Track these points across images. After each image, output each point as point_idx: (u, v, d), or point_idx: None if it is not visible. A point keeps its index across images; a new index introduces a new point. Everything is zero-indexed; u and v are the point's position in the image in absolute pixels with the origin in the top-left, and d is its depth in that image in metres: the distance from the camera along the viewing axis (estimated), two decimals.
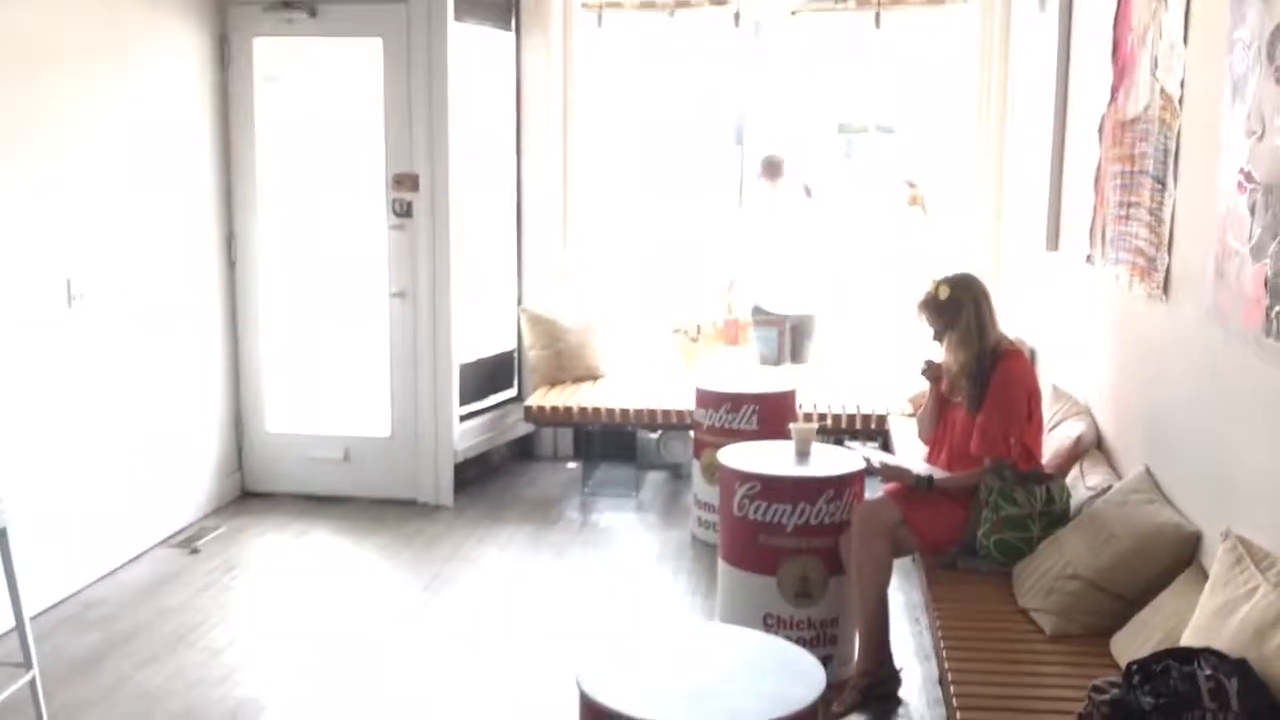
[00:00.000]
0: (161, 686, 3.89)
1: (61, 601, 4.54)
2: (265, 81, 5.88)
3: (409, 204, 5.73)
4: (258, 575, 4.97)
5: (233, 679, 3.96)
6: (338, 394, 6.26)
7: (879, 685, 3.77)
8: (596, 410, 6.04)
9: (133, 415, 5.07)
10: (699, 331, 7.25)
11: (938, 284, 3.84)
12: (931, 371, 4.02)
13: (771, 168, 6.77)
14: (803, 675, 2.39)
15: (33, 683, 3.33)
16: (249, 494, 5.99)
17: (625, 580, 4.93)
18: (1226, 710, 2.16)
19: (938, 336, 3.89)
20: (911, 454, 4.36)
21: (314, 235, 6.17)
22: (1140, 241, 3.56)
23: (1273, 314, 2.49)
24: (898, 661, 3.89)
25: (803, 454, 4.12)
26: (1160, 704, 2.21)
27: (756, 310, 6.74)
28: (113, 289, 4.88)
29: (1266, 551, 2.48)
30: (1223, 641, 2.34)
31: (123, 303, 4.97)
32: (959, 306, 3.77)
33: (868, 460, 3.98)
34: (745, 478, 3.99)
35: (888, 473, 3.92)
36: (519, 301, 6.62)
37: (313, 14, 5.68)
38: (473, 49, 6.05)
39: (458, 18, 5.66)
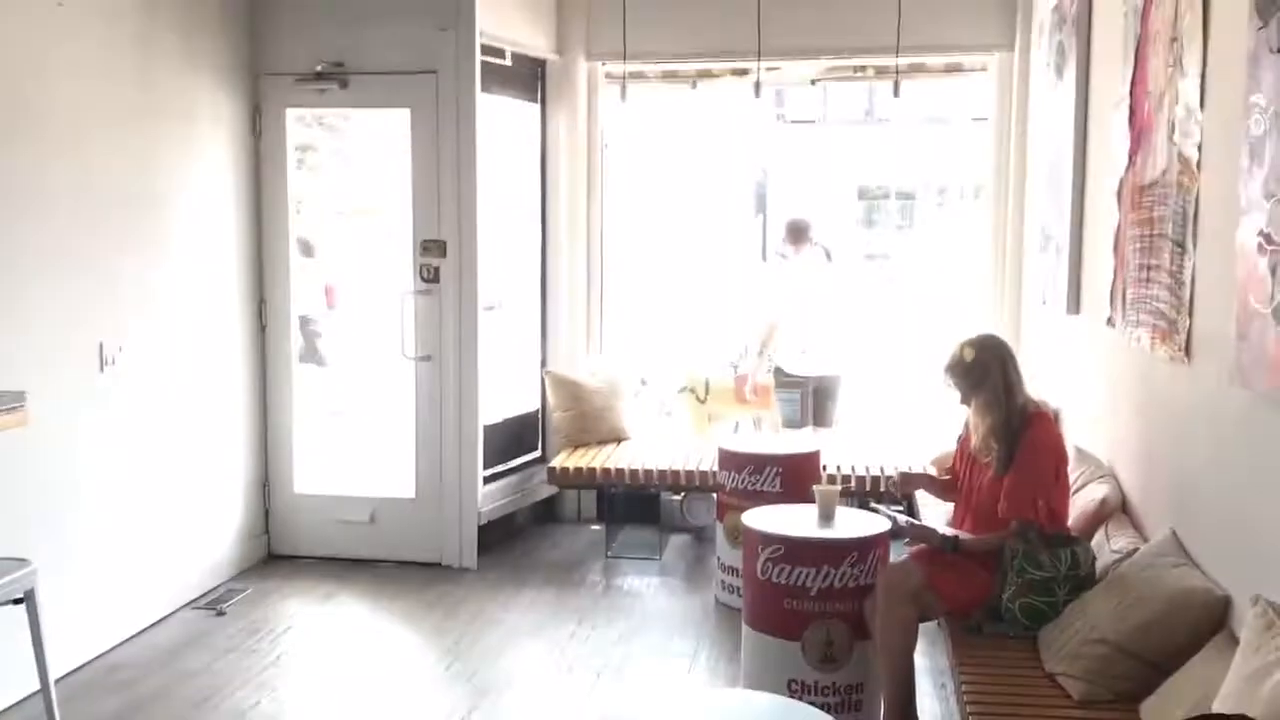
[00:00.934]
0: None
1: (86, 664, 4.55)
2: (297, 151, 6.00)
3: (436, 269, 5.80)
4: (283, 638, 4.97)
5: None
6: (364, 456, 6.30)
7: None
8: (620, 471, 6.05)
9: (162, 478, 5.12)
10: (707, 390, 7.27)
11: (963, 346, 3.85)
12: (906, 485, 4.12)
13: (796, 232, 6.84)
14: None
15: None
16: (275, 556, 6.01)
17: (648, 645, 4.90)
18: None
19: (965, 400, 3.90)
20: (936, 516, 4.34)
21: (344, 300, 6.26)
22: (1161, 304, 3.57)
23: None
24: None
25: (826, 516, 4.11)
26: None
27: (779, 372, 6.76)
28: (145, 353, 4.95)
29: None
30: (1256, 708, 2.31)
31: (155, 367, 5.04)
32: (986, 369, 3.78)
33: (893, 521, 3.97)
34: (769, 540, 3.99)
35: (913, 533, 3.90)
36: (543, 364, 6.67)
37: (344, 85, 5.81)
38: (500, 120, 6.16)
39: (485, 89, 5.78)
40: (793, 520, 4.13)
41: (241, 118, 5.74)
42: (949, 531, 3.86)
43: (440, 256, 5.79)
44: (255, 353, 5.89)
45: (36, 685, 3.36)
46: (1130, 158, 3.97)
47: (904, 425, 6.58)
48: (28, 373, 4.10)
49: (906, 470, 4.17)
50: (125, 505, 4.86)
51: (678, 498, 6.49)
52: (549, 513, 6.81)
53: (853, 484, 5.75)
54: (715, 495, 5.75)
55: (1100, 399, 4.45)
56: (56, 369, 4.42)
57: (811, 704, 3.59)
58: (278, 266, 5.92)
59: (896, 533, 3.98)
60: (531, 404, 6.71)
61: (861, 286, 7.07)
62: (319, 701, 4.33)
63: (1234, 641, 2.75)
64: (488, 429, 6.07)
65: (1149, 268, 3.71)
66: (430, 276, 5.81)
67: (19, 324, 4.21)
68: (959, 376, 3.84)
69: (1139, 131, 3.88)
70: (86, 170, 4.59)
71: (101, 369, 4.68)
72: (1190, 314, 3.30)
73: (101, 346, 4.67)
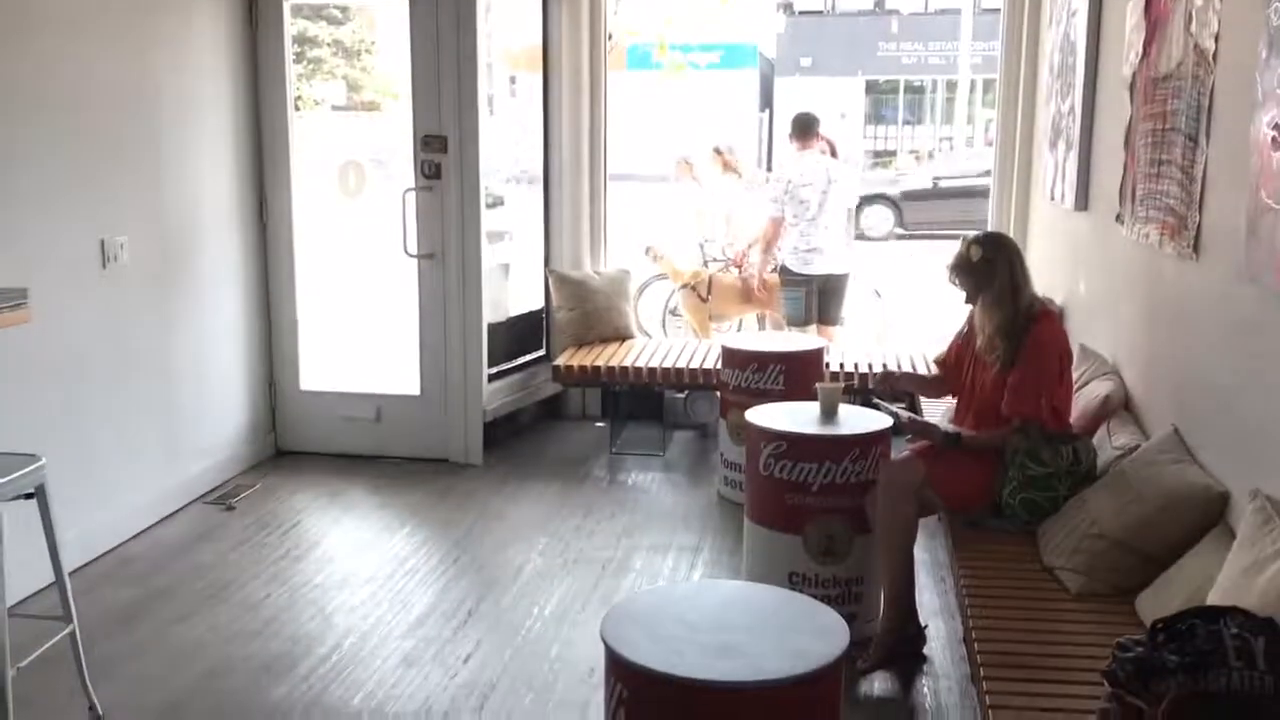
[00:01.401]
0: (197, 640, 3.98)
1: (99, 557, 4.63)
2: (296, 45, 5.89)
3: (438, 165, 5.74)
4: (291, 532, 5.04)
5: (268, 632, 4.04)
6: (369, 354, 6.32)
7: (904, 643, 3.79)
8: (624, 370, 6.08)
9: (168, 375, 5.14)
10: (709, 289, 7.27)
11: (969, 244, 3.82)
12: (887, 383, 4.12)
13: (803, 127, 6.75)
14: (827, 631, 2.41)
15: (73, 635, 3.40)
16: (282, 453, 6.07)
17: (653, 539, 4.97)
18: (1252, 668, 2.16)
19: (970, 299, 3.88)
20: (937, 413, 4.36)
21: (344, 198, 6.20)
22: (1171, 200, 3.53)
23: None
24: (922, 619, 3.92)
25: (829, 414, 4.13)
26: (1185, 662, 2.22)
27: (784, 270, 6.73)
28: (147, 250, 4.93)
29: None
30: (1250, 600, 2.34)
31: (157, 264, 5.02)
32: (992, 268, 3.75)
33: (895, 417, 3.98)
34: (772, 437, 4.01)
35: (914, 429, 3.92)
36: (546, 262, 6.64)
37: None
38: (500, 8, 6.03)
39: None
40: (795, 417, 4.15)
41: (238, 10, 5.62)
42: (950, 428, 3.88)
43: (441, 152, 5.72)
44: (257, 250, 5.86)
45: (51, 577, 3.42)
46: (1145, 49, 3.89)
47: (910, 324, 6.58)
48: (29, 271, 4.09)
49: (887, 369, 4.18)
50: (132, 402, 4.89)
51: (681, 395, 6.52)
52: (554, 410, 6.86)
53: (855, 381, 5.77)
54: (718, 393, 5.78)
55: (1106, 296, 4.43)
56: (58, 266, 4.40)
57: (812, 595, 3.66)
58: (278, 162, 5.86)
59: (898, 429, 4.00)
60: (535, 303, 6.71)
61: (868, 184, 6.97)
62: (329, 593, 4.41)
63: (1230, 536, 2.78)
64: (492, 327, 6.07)
65: (1160, 162, 3.66)
66: (431, 173, 5.75)
67: (19, 222, 4.19)
68: (965, 275, 3.82)
69: (1155, 21, 3.80)
70: (82, 68, 4.52)
71: (104, 265, 4.66)
72: (1200, 209, 3.26)
73: (103, 244, 4.65)
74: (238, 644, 3.95)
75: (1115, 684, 2.32)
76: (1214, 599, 2.47)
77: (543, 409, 6.77)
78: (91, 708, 3.43)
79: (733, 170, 8.21)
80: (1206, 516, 3.04)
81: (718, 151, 8.08)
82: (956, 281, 3.85)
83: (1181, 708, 2.19)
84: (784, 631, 2.45)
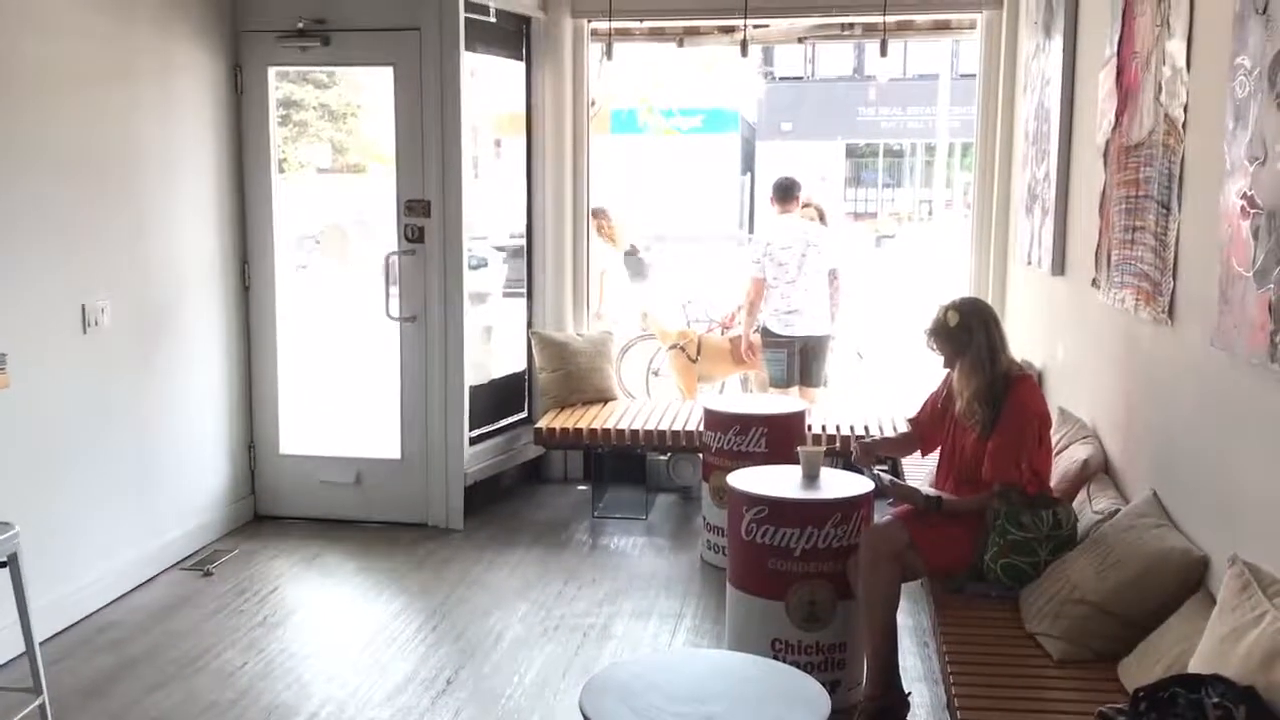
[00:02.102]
0: (173, 710, 3.91)
1: (73, 625, 4.56)
2: (281, 108, 5.94)
3: (420, 229, 5.77)
4: (270, 599, 4.98)
5: (243, 702, 3.98)
6: (350, 417, 6.30)
7: (887, 710, 3.75)
8: (606, 432, 6.07)
9: (146, 440, 5.11)
10: (699, 350, 7.30)
11: (946, 310, 3.85)
12: (866, 457, 4.13)
13: (784, 192, 6.83)
14: (808, 702, 2.39)
15: (42, 708, 3.35)
16: (261, 517, 6.01)
17: (635, 605, 4.93)
18: None
19: (948, 364, 3.90)
20: (919, 477, 4.36)
21: (327, 261, 6.22)
22: (1145, 266, 3.57)
23: (1277, 339, 2.50)
24: (906, 686, 3.88)
25: (811, 477, 4.13)
26: None
27: (766, 332, 6.77)
28: (128, 314, 4.93)
29: (1275, 577, 2.47)
30: (1230, 668, 2.33)
31: (138, 328, 5.02)
32: (969, 333, 3.78)
33: (877, 480, 3.98)
34: (754, 501, 4.00)
35: (896, 493, 3.92)
36: (529, 325, 6.66)
37: (326, 42, 5.74)
38: (484, 77, 6.10)
39: (469, 47, 5.71)
40: (777, 481, 4.14)
41: (222, 76, 5.68)
42: (932, 492, 3.88)
43: (424, 216, 5.76)
44: (239, 313, 5.86)
45: (22, 647, 3.37)
46: (1117, 118, 3.95)
47: (892, 386, 6.60)
48: (8, 334, 4.08)
49: (862, 440, 4.21)
50: (110, 466, 4.85)
51: (664, 458, 6.51)
52: (535, 473, 6.83)
53: (838, 444, 5.77)
54: (701, 455, 5.77)
55: (1084, 360, 4.46)
56: (38, 331, 4.39)
57: (795, 663, 3.63)
58: (261, 225, 5.88)
59: (880, 492, 4.00)
60: (518, 365, 6.71)
61: (851, 247, 7.04)
62: (306, 662, 4.35)
63: (1211, 601, 2.77)
64: (474, 390, 6.07)
65: (1134, 229, 3.70)
66: (415, 237, 5.78)
67: None
68: (942, 340, 3.84)
69: (1126, 92, 3.87)
70: (65, 131, 4.54)
71: (84, 330, 4.65)
72: (1174, 276, 3.30)
73: (84, 308, 4.65)
74: (212, 715, 3.89)
75: None
76: (1195, 666, 2.46)
77: (524, 471, 6.74)
78: None
79: (607, 237, 7.54)
80: (1187, 581, 3.04)
81: (594, 214, 7.15)
82: (934, 347, 3.88)
83: None
84: (765, 702, 2.43)
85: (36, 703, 3.32)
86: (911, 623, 4.53)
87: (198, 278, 5.51)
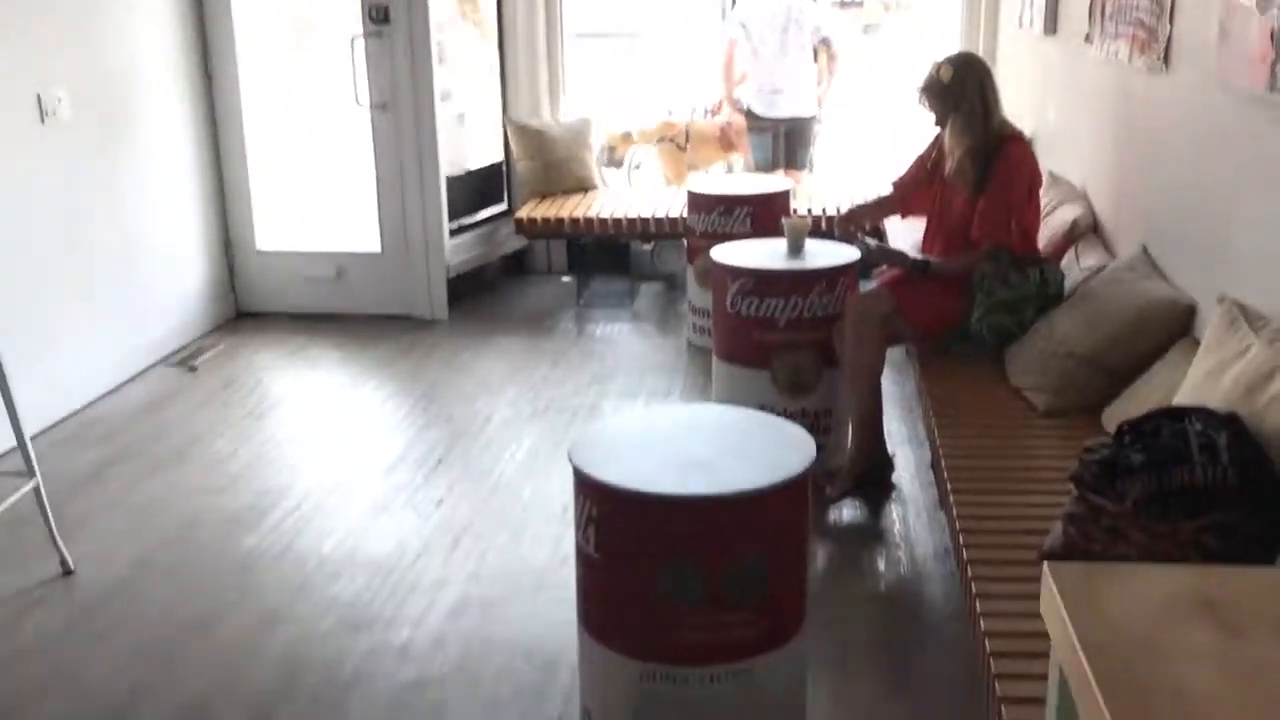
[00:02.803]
0: (166, 496, 3.95)
1: (60, 421, 4.56)
2: None
3: (385, 9, 5.51)
4: (256, 390, 4.99)
5: (235, 487, 4.02)
6: (327, 211, 6.18)
7: (872, 471, 3.82)
8: (589, 221, 5.98)
9: (120, 236, 5.01)
10: (688, 138, 7.13)
11: (939, 66, 3.71)
12: (846, 224, 4.03)
13: None
14: (794, 445, 2.40)
15: (37, 490, 3.37)
16: (243, 314, 5.97)
17: (622, 386, 4.96)
18: (1216, 463, 2.16)
19: (940, 122, 3.79)
20: (906, 244, 4.31)
21: (292, 46, 5.97)
22: (1141, 13, 3.44)
23: (1277, 69, 2.41)
24: (890, 448, 3.94)
25: (795, 248, 4.08)
26: (1150, 460, 2.22)
27: (750, 115, 6.60)
28: (87, 106, 4.74)
29: (1262, 314, 2.46)
30: (1215, 400, 2.34)
31: (98, 120, 4.84)
32: (962, 88, 3.65)
33: (865, 247, 3.93)
34: (738, 274, 3.96)
35: (882, 257, 3.88)
36: (504, 111, 6.47)
37: None
38: None
39: None
40: (762, 253, 4.09)
41: None
42: (919, 256, 3.84)
43: None
44: (203, 105, 5.65)
45: (13, 442, 3.37)
46: None
47: (878, 168, 6.47)
48: None
49: (841, 211, 4.12)
50: (86, 263, 4.77)
51: (648, 246, 6.45)
52: (519, 265, 6.77)
53: (824, 224, 5.70)
54: (685, 241, 5.71)
55: (1075, 121, 4.36)
56: None
57: None
58: (220, 12, 5.61)
59: (867, 260, 3.95)
60: (495, 155, 6.55)
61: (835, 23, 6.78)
62: (296, 447, 4.38)
63: (1197, 347, 2.77)
64: (451, 181, 5.94)
65: None
66: (379, 17, 5.53)
67: None
68: (935, 96, 3.72)
69: None
70: None
71: (42, 120, 4.48)
72: (1171, 20, 3.18)
73: (40, 98, 4.46)
74: (205, 498, 3.93)
75: (1081, 486, 2.33)
76: (1179, 401, 2.47)
77: (507, 264, 6.68)
78: (63, 562, 3.41)
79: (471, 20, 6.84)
80: (1173, 330, 3.04)
81: None
82: (926, 103, 3.76)
83: (1146, 505, 2.19)
84: (751, 445, 2.44)
85: (30, 485, 3.33)
86: (896, 390, 4.56)
87: (156, 66, 5.28)
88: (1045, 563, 1.40)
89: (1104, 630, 1.15)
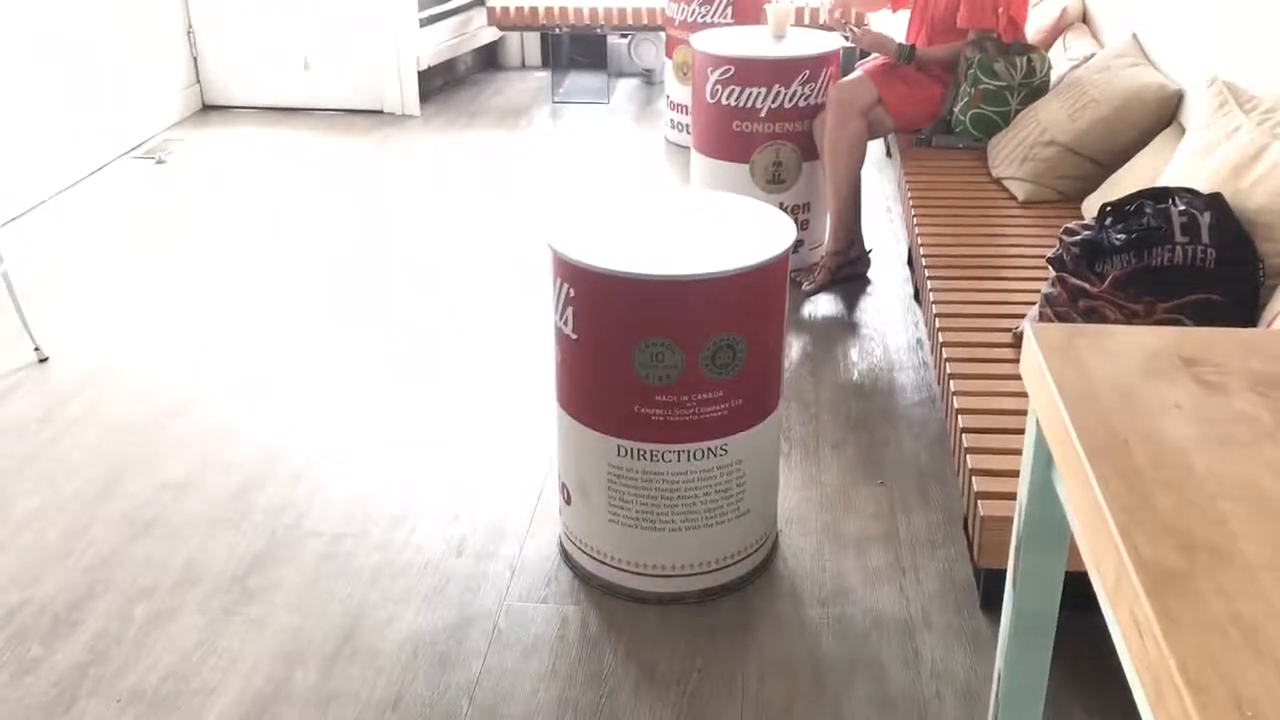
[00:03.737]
0: (137, 281, 3.90)
1: (28, 210, 4.47)
2: None
3: None
4: (228, 182, 4.88)
5: (208, 275, 3.97)
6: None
7: (849, 265, 3.81)
8: (564, 11, 5.78)
9: (84, 26, 4.80)
10: None
11: None
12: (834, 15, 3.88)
13: None
14: (773, 228, 2.37)
15: (5, 276, 3.32)
16: (209, 107, 5.80)
17: (597, 174, 4.89)
18: (1197, 242, 2.16)
19: None
20: (890, 31, 4.18)
21: None
22: None
23: None
24: (868, 244, 3.92)
25: (778, 36, 3.95)
26: (1131, 239, 2.22)
27: None
28: None
29: (1251, 95, 2.41)
30: (1200, 180, 2.32)
31: None
32: None
33: (852, 31, 3.81)
34: (718, 61, 3.84)
35: (867, 41, 3.76)
36: None
37: None
38: None
39: None
40: (744, 40, 3.97)
41: None
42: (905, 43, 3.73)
43: None
44: None
45: None
46: None
47: None
48: None
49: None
50: (46, 53, 4.58)
51: (625, 39, 6.25)
52: (492, 59, 6.57)
53: (808, 18, 5.53)
54: (664, 33, 5.53)
55: None
56: None
57: None
58: None
59: (855, 44, 3.83)
60: None
61: None
62: (269, 238, 4.31)
63: (1183, 134, 2.73)
64: None
65: None
66: None
67: None
68: None
69: None
70: None
71: None
72: None
73: None
74: (177, 287, 3.89)
75: (1061, 268, 2.33)
76: (1164, 183, 2.44)
77: (481, 58, 6.48)
78: (36, 349, 3.39)
79: None
80: (1160, 117, 3.00)
81: None
82: None
83: (1125, 284, 2.20)
84: (731, 229, 2.41)
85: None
86: (876, 189, 4.51)
87: None
88: (1029, 325, 1.40)
89: (1082, 383, 1.15)
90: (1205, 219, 2.16)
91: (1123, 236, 2.21)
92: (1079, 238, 2.30)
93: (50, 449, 2.95)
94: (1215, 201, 2.19)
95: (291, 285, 3.90)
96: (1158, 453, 1.05)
